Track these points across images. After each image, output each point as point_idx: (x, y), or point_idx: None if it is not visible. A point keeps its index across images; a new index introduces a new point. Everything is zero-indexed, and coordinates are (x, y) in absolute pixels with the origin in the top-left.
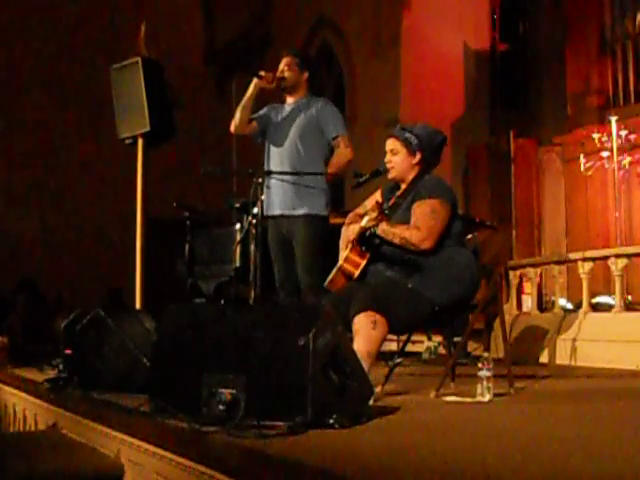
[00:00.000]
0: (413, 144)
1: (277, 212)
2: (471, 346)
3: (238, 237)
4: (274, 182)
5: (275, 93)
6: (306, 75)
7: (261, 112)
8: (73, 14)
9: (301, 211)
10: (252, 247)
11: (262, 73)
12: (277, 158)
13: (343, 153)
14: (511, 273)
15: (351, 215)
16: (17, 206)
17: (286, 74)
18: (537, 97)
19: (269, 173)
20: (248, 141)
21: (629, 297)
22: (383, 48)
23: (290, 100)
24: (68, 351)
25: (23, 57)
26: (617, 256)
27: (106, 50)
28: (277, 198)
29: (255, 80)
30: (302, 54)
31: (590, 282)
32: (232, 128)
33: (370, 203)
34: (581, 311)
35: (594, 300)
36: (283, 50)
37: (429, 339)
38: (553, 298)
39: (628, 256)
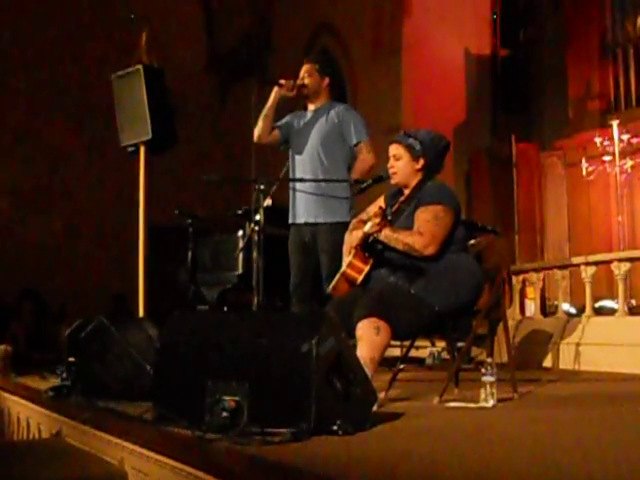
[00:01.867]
0: (416, 150)
1: (301, 220)
2: (474, 351)
3: (241, 244)
4: (299, 190)
5: (297, 100)
6: (327, 81)
7: (283, 120)
8: (75, 21)
9: (324, 219)
10: (255, 254)
11: (282, 81)
12: (300, 165)
13: (366, 159)
14: (514, 278)
15: (354, 221)
16: (21, 215)
17: (306, 81)
18: (538, 102)
19: (276, 180)
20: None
21: (632, 301)
22: (384, 54)
23: (312, 107)
24: (71, 359)
25: (26, 63)
26: (620, 260)
27: (108, 58)
28: (301, 206)
29: (276, 88)
30: (322, 60)
31: (593, 286)
32: (255, 138)
33: (373, 209)
34: (584, 315)
35: (597, 304)
36: (284, 56)
37: (432, 345)
38: (556, 302)
39: (631, 260)
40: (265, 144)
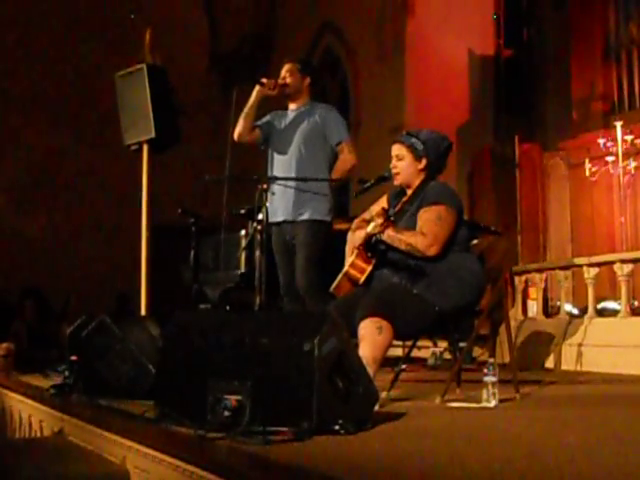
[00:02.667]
0: (419, 150)
1: (280, 218)
2: (476, 352)
3: (243, 243)
4: (278, 189)
5: (278, 100)
6: (308, 81)
7: (264, 119)
8: (78, 21)
9: (304, 217)
10: (257, 253)
11: (264, 80)
12: (281, 165)
13: (347, 159)
14: (516, 278)
15: (357, 221)
16: (23, 213)
17: (288, 80)
18: (542, 102)
19: (274, 179)
20: (254, 148)
21: (635, 302)
22: (387, 54)
23: (293, 106)
24: (74, 357)
25: (29, 63)
26: (623, 261)
27: (112, 57)
28: (280, 204)
29: (257, 87)
30: (303, 60)
31: (596, 287)
32: (235, 136)
33: (376, 209)
34: (587, 316)
35: (600, 305)
36: (287, 56)
37: (434, 345)
38: (559, 303)
39: (634, 261)
40: (245, 143)
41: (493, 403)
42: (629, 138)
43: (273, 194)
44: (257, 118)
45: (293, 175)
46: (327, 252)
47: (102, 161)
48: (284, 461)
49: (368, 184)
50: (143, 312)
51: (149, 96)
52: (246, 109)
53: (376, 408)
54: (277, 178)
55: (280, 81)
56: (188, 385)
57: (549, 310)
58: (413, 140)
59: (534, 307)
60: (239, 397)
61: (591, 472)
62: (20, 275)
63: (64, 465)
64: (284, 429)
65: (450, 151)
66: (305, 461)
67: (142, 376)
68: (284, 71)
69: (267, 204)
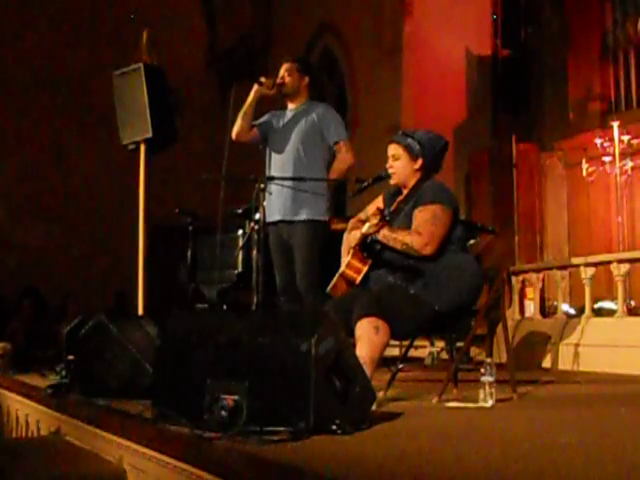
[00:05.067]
0: (415, 150)
1: (277, 218)
2: (473, 351)
3: (240, 243)
4: (275, 188)
5: (277, 99)
6: (306, 80)
7: (262, 119)
8: (75, 21)
9: (301, 216)
10: (254, 252)
11: (262, 79)
12: (278, 164)
13: (344, 158)
14: (513, 278)
15: (353, 221)
16: (21, 213)
17: (286, 80)
18: (539, 102)
19: (271, 179)
20: (251, 147)
21: (632, 302)
22: (385, 54)
23: (291, 106)
24: (71, 357)
25: (24, 66)
26: (619, 261)
27: (108, 56)
28: (278, 204)
29: (255, 86)
30: (302, 60)
31: (592, 287)
32: (233, 135)
33: (371, 209)
34: (584, 316)
35: (596, 305)
36: (285, 56)
37: (431, 344)
38: (555, 303)
39: (630, 261)
40: (243, 142)
41: (490, 403)
42: (626, 138)
43: (270, 194)
44: (256, 117)
45: (290, 174)
46: (325, 252)
47: (99, 160)
48: (281, 461)
49: (365, 184)
50: (140, 311)
51: (146, 95)
52: (244, 108)
53: (373, 408)
54: (274, 178)
55: (278, 80)
56: (185, 385)
57: (546, 310)
58: (409, 140)
59: (531, 307)
60: (236, 397)
61: (588, 471)
62: (17, 274)
63: (61, 465)
64: (281, 429)
65: (446, 151)
66: (301, 461)
67: (139, 376)
68: (283, 70)
69: (264, 203)
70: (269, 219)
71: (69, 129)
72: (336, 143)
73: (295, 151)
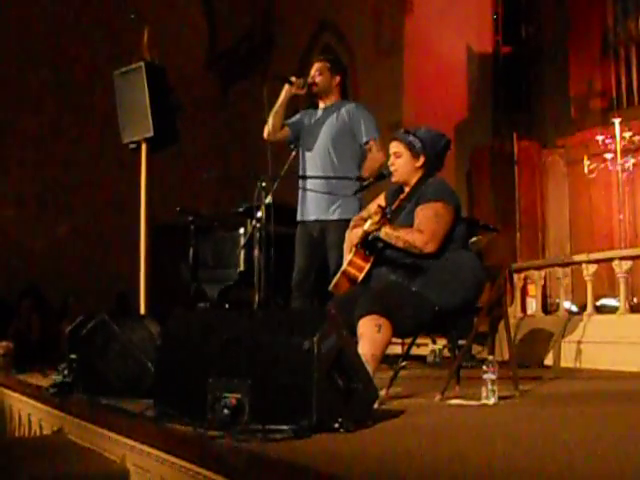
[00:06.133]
0: (416, 147)
1: (312, 218)
2: (476, 349)
3: (242, 241)
4: (309, 187)
5: (306, 98)
6: (337, 79)
7: (294, 118)
8: (76, 20)
9: (334, 216)
10: (256, 251)
11: (293, 79)
12: (311, 163)
13: (376, 157)
14: (515, 276)
15: (355, 218)
16: (23, 213)
17: (317, 79)
18: (540, 99)
19: (277, 178)
20: (257, 147)
21: (634, 299)
22: (386, 52)
23: (322, 105)
24: (73, 356)
25: (26, 66)
26: (621, 258)
27: (109, 55)
28: (312, 203)
29: (286, 86)
30: (333, 59)
31: (594, 284)
32: (265, 134)
33: (374, 207)
34: (586, 313)
35: (599, 302)
36: (285, 54)
37: (434, 342)
38: (557, 300)
39: (632, 258)
40: (275, 141)
41: (492, 400)
42: (627, 135)
43: (304, 192)
44: (288, 116)
45: (321, 173)
46: None
47: (101, 160)
48: (283, 459)
49: (367, 182)
50: (142, 311)
51: (147, 94)
52: (275, 107)
53: (375, 406)
54: (306, 177)
55: (309, 80)
56: (187, 383)
57: (548, 307)
58: (411, 138)
59: (533, 304)
60: (238, 395)
61: (590, 469)
62: (20, 274)
63: (64, 464)
64: (283, 427)
65: (448, 149)
66: (304, 459)
67: (142, 375)
68: (314, 70)
69: (266, 201)
70: (304, 219)
71: (70, 128)
72: (367, 142)
73: (326, 150)
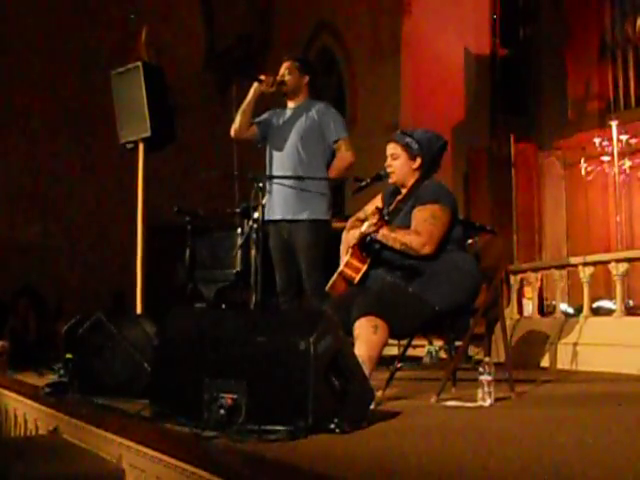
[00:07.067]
0: (413, 149)
1: (278, 217)
2: (472, 350)
3: (239, 242)
4: (276, 187)
5: (276, 97)
6: (307, 79)
7: (262, 117)
8: (73, 19)
9: (303, 216)
10: (253, 251)
11: (262, 77)
12: (278, 162)
13: (344, 156)
14: (512, 277)
15: (352, 220)
16: (18, 212)
17: (286, 78)
18: (538, 102)
19: (271, 177)
20: (251, 145)
21: (630, 301)
22: (383, 53)
23: (291, 104)
24: (69, 356)
25: (23, 64)
26: (618, 260)
27: (107, 55)
28: (279, 203)
29: (255, 84)
30: (302, 58)
31: (591, 286)
32: (232, 132)
33: (370, 208)
34: (582, 315)
35: (595, 304)
36: (283, 55)
37: (430, 344)
38: (554, 302)
39: (629, 260)
40: (242, 140)
41: (488, 402)
42: (624, 137)
43: (270, 193)
44: (256, 115)
45: (290, 173)
46: (326, 251)
47: (97, 160)
48: (279, 460)
49: (364, 183)
50: (139, 310)
51: (145, 94)
52: (243, 106)
53: (372, 407)
54: (274, 177)
55: (278, 78)
56: (184, 383)
57: (544, 309)
58: (407, 139)
59: (529, 306)
60: (235, 396)
61: (586, 471)
62: (15, 273)
63: (59, 464)
64: (279, 428)
65: (445, 150)
66: (300, 460)
67: (137, 374)
68: (283, 69)
69: (263, 202)
70: (270, 217)
71: (68, 128)
72: (336, 141)
73: (295, 150)
